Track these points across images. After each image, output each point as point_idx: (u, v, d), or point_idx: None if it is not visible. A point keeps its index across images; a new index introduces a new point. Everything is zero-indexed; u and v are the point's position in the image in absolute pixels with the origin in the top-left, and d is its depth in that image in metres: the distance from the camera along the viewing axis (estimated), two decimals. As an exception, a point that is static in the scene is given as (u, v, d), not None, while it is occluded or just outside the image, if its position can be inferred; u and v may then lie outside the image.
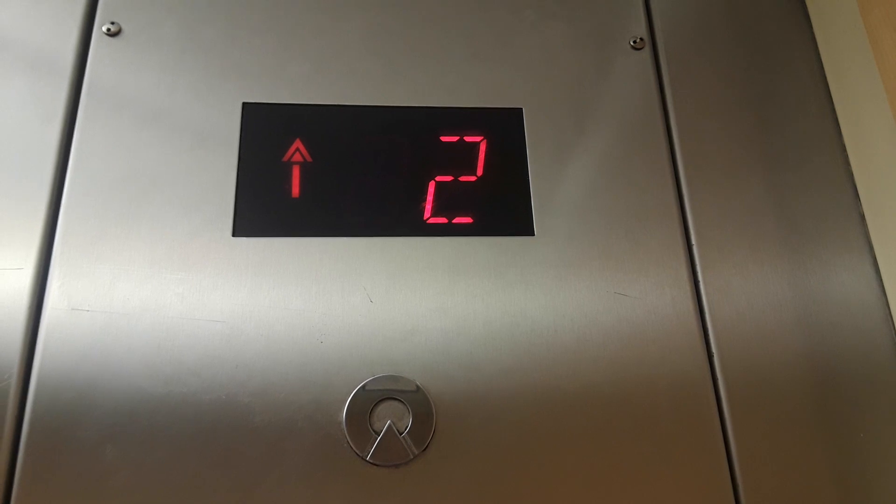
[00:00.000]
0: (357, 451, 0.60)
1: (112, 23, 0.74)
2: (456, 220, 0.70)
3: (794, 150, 0.77)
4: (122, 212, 0.67)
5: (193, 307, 0.64)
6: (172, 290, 0.64)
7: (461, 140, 0.74)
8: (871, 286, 0.72)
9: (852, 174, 0.76)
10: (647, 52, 0.80)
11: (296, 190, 0.70)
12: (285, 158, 0.71)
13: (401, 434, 0.61)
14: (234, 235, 0.67)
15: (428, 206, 0.71)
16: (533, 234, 0.70)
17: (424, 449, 0.61)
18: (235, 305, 0.64)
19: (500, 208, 0.71)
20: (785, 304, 0.70)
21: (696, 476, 0.63)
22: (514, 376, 0.65)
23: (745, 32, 0.83)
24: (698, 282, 0.70)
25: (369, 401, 0.62)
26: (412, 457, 0.61)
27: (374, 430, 0.61)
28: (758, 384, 0.67)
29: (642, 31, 0.81)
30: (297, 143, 0.72)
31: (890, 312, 0.70)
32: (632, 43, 0.80)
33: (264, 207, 0.69)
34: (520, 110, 0.75)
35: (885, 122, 0.70)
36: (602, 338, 0.67)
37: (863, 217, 0.74)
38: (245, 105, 0.73)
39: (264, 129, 0.72)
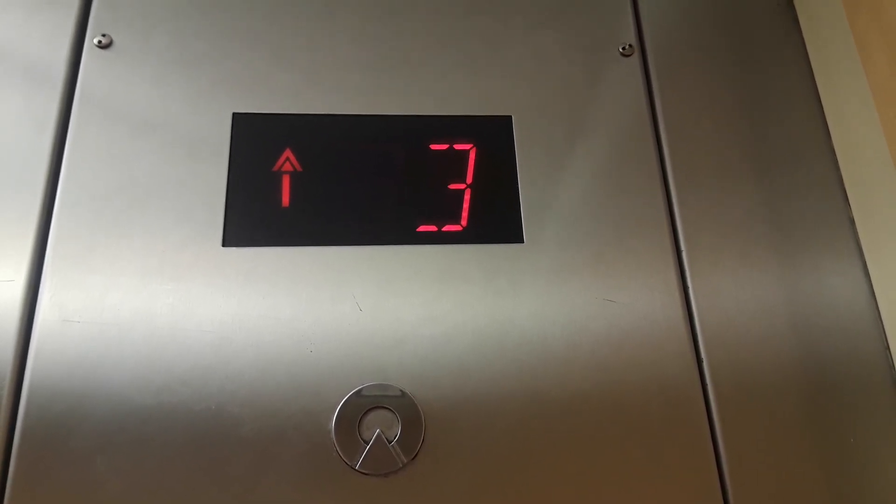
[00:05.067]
0: (346, 460, 0.61)
1: (103, 35, 0.75)
2: (445, 228, 0.71)
3: (783, 155, 0.77)
4: (113, 222, 0.67)
5: (183, 317, 0.64)
6: (162, 300, 0.65)
7: (451, 148, 0.74)
8: (861, 290, 0.72)
9: (842, 178, 0.76)
10: (636, 59, 0.80)
11: (286, 199, 0.70)
12: (275, 168, 0.72)
13: (390, 443, 0.62)
14: (223, 245, 0.67)
15: (417, 215, 0.71)
16: (522, 242, 0.71)
17: (413, 457, 0.61)
18: (225, 315, 0.65)
19: (490, 216, 0.72)
20: (774, 309, 0.70)
21: (686, 481, 0.63)
22: (504, 384, 0.65)
23: (735, 38, 0.83)
24: (688, 287, 0.70)
25: (358, 409, 0.62)
26: (401, 465, 0.61)
27: (363, 439, 0.62)
28: (747, 389, 0.67)
29: (631, 37, 0.81)
30: (288, 153, 0.72)
31: (880, 316, 0.70)
32: (621, 50, 0.80)
33: (254, 217, 0.69)
34: (509, 118, 0.76)
35: (873, 125, 0.70)
36: (592, 344, 0.67)
37: (852, 221, 0.74)
38: (235, 115, 0.73)
39: (254, 139, 0.72)
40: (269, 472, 0.60)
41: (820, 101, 0.80)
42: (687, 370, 0.67)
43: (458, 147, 0.74)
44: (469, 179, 0.73)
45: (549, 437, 0.63)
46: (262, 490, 0.59)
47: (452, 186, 0.72)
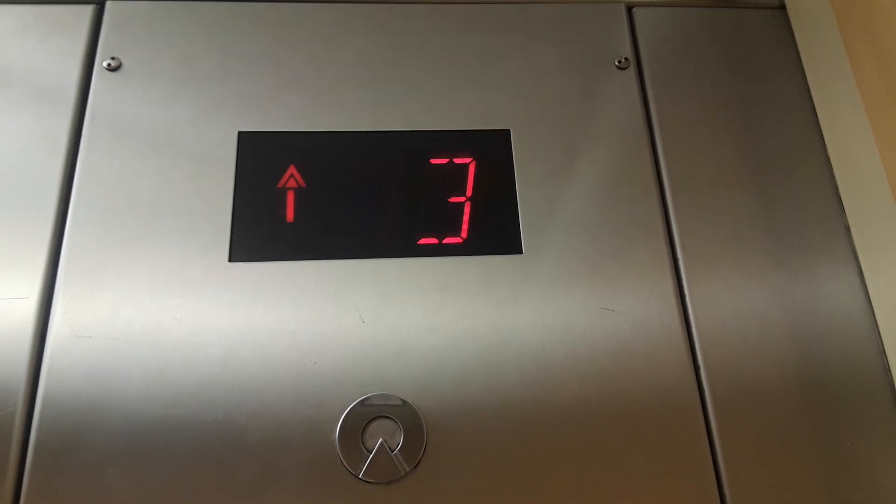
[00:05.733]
0: (350, 469, 0.62)
1: (112, 58, 0.77)
2: (446, 241, 0.72)
3: (778, 164, 0.78)
4: (123, 240, 0.69)
5: (191, 331, 0.66)
6: (171, 315, 0.66)
7: (451, 162, 0.76)
8: (857, 296, 0.73)
9: (836, 186, 0.77)
10: (632, 72, 0.82)
11: (290, 215, 0.72)
12: (280, 184, 0.73)
13: (392, 451, 0.63)
14: (230, 261, 0.69)
15: (418, 228, 0.72)
16: (521, 252, 0.72)
17: (416, 466, 0.63)
18: (232, 329, 0.66)
19: (489, 227, 0.73)
20: (771, 316, 0.71)
21: (685, 489, 0.64)
22: (504, 392, 0.66)
23: (729, 49, 0.84)
24: (684, 295, 0.71)
25: (362, 419, 0.64)
26: (404, 473, 0.62)
27: (366, 448, 0.63)
28: (744, 396, 0.68)
29: (627, 51, 0.83)
30: (292, 170, 0.74)
31: (876, 322, 0.71)
32: (617, 63, 0.82)
33: (260, 232, 0.71)
34: (507, 132, 0.77)
35: (866, 134, 0.71)
36: (590, 353, 0.68)
37: (848, 228, 0.75)
38: (241, 134, 0.75)
39: (259, 157, 0.74)
40: (275, 480, 0.61)
41: (814, 110, 0.81)
42: (684, 377, 0.68)
43: (457, 161, 0.76)
44: (469, 192, 0.75)
45: (548, 445, 0.64)
46: (267, 498, 0.61)
47: (452, 199, 0.74)
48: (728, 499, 0.64)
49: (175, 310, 0.67)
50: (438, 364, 0.67)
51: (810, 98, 0.82)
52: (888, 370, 0.69)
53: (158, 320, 0.66)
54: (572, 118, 0.79)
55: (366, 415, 0.64)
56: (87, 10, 0.80)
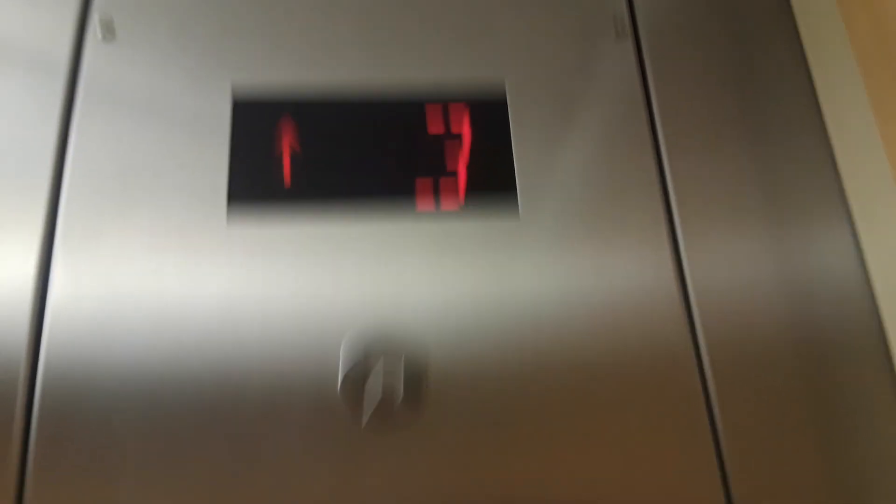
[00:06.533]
0: (352, 420, 0.63)
1: (105, 23, 0.76)
2: (444, 203, 0.72)
3: (775, 128, 0.79)
4: (120, 203, 0.69)
5: (191, 290, 0.66)
6: (171, 275, 0.67)
7: (447, 130, 0.76)
8: (852, 257, 0.73)
9: (832, 149, 0.78)
10: (629, 37, 0.82)
11: (287, 178, 0.72)
12: (276, 147, 0.73)
13: (394, 403, 0.64)
14: (228, 223, 0.69)
15: (416, 191, 0.73)
16: (518, 216, 0.72)
17: (417, 416, 0.64)
18: (231, 287, 0.67)
19: (487, 192, 0.73)
20: (767, 276, 0.72)
21: (681, 445, 0.65)
22: (502, 349, 0.67)
23: (727, 14, 0.84)
24: (681, 256, 0.72)
25: (363, 372, 0.65)
26: (405, 424, 0.64)
27: (368, 399, 0.64)
28: (740, 354, 0.68)
29: (624, 16, 0.82)
30: (288, 134, 0.74)
31: (870, 282, 0.72)
32: (615, 28, 0.82)
33: (257, 196, 0.71)
34: (504, 98, 0.77)
35: (860, 98, 0.72)
36: (586, 313, 0.69)
37: (843, 191, 0.76)
38: (235, 96, 0.75)
39: (255, 120, 0.74)
40: (277, 432, 0.62)
41: (811, 75, 0.81)
42: (680, 337, 0.69)
43: (454, 129, 0.76)
44: (465, 159, 0.74)
45: (545, 400, 0.65)
46: (270, 449, 0.62)
47: (449, 165, 0.74)
48: (725, 454, 0.65)
49: (174, 269, 0.67)
50: (438, 321, 0.67)
51: (807, 66, 0.82)
52: (882, 330, 0.70)
53: (157, 284, 0.66)
54: (569, 82, 0.79)
55: (367, 368, 0.65)
56: (79, -26, 0.79)
